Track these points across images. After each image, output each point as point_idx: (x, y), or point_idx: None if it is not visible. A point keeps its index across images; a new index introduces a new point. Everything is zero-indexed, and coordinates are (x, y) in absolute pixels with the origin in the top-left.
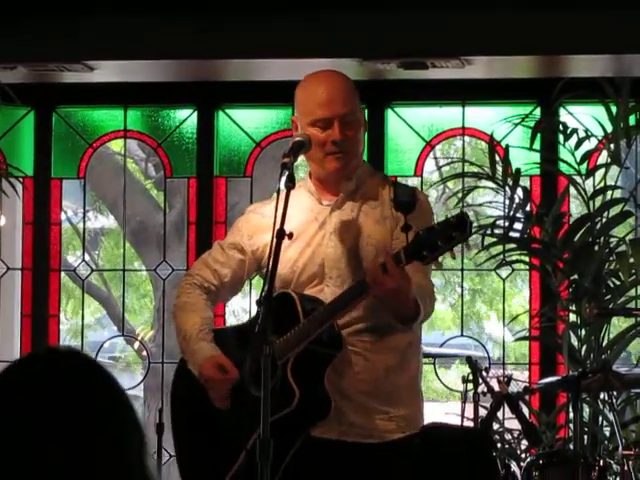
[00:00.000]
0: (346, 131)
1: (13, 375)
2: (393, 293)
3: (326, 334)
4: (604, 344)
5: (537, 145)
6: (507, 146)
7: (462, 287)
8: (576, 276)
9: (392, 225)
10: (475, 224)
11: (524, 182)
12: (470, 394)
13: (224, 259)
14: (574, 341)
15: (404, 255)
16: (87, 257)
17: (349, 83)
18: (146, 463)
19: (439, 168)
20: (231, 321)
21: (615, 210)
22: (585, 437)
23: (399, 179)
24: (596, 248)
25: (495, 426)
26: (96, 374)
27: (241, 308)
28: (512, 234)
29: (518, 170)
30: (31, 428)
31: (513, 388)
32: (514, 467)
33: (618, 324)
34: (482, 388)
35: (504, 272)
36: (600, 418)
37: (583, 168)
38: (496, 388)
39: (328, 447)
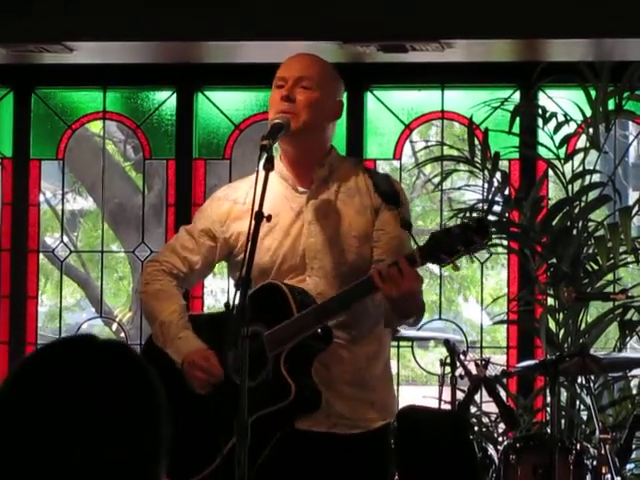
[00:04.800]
0: (297, 93)
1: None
2: (407, 295)
3: (320, 328)
4: (582, 328)
5: (516, 129)
6: (486, 130)
7: (440, 271)
8: (554, 260)
9: (372, 215)
10: (454, 208)
11: (503, 166)
12: (448, 377)
13: (193, 246)
14: (552, 325)
15: (419, 257)
16: (65, 239)
17: (321, 62)
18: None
19: (415, 153)
20: (209, 301)
21: (593, 194)
22: (562, 421)
23: (378, 162)
24: (574, 232)
25: (472, 409)
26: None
27: (219, 288)
28: (490, 218)
29: (497, 154)
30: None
31: (491, 371)
32: (491, 450)
33: (596, 308)
34: (460, 371)
35: (482, 256)
36: (577, 402)
37: (562, 152)
38: (474, 371)
39: (316, 440)
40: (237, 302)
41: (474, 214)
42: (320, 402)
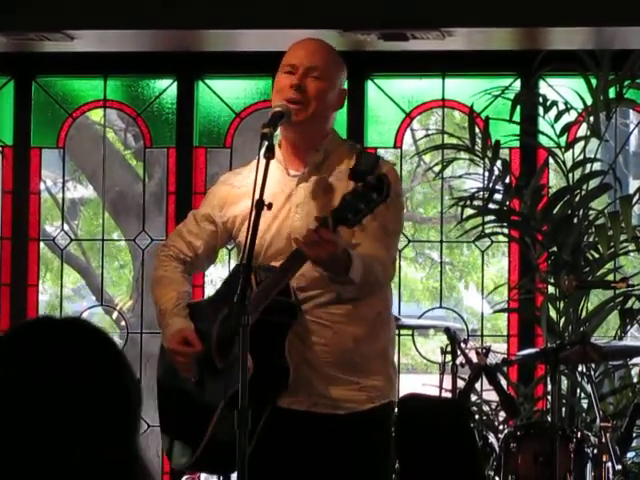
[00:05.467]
0: (307, 82)
1: (16, 339)
2: (329, 257)
3: (281, 303)
4: (582, 316)
5: (517, 117)
6: (487, 118)
7: (441, 259)
8: (555, 248)
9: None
10: (454, 196)
11: (503, 154)
12: (448, 366)
13: (197, 230)
14: (552, 313)
15: (332, 220)
16: (66, 227)
17: (330, 51)
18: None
19: (416, 141)
20: (210, 290)
21: (594, 183)
22: (563, 409)
23: (379, 150)
24: (575, 221)
25: (473, 398)
26: (99, 346)
27: (219, 278)
28: (491, 206)
29: (498, 142)
30: (28, 390)
31: (491, 360)
32: (492, 439)
33: (597, 296)
34: (460, 360)
35: (483, 244)
36: (578, 390)
37: (562, 141)
38: (474, 360)
39: (296, 418)
40: (238, 289)
41: (474, 202)
42: (287, 380)
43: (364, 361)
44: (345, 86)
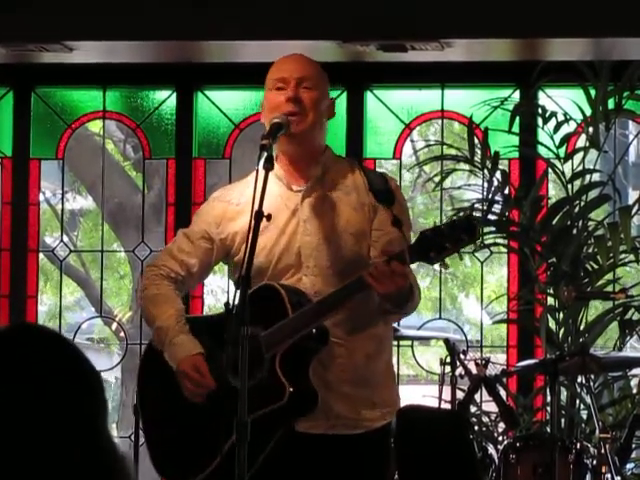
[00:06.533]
0: (302, 92)
1: None
2: (397, 292)
3: (315, 328)
4: (582, 327)
5: (516, 128)
6: (486, 129)
7: (440, 270)
8: (554, 259)
9: (370, 212)
10: (454, 206)
11: (503, 165)
12: (448, 377)
13: (190, 249)
14: (552, 324)
15: (409, 255)
16: (65, 238)
17: (315, 64)
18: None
19: (416, 152)
20: (210, 300)
21: (593, 193)
22: (562, 420)
23: (378, 162)
24: (574, 231)
25: (472, 409)
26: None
27: (219, 288)
28: (490, 217)
29: (497, 153)
30: None
31: (491, 371)
32: (491, 450)
33: (596, 307)
34: (460, 371)
35: (482, 255)
36: (577, 401)
37: (562, 151)
38: (474, 371)
39: (313, 442)
40: (237, 302)
41: (473, 213)
42: (316, 404)
43: (374, 377)
44: (334, 97)
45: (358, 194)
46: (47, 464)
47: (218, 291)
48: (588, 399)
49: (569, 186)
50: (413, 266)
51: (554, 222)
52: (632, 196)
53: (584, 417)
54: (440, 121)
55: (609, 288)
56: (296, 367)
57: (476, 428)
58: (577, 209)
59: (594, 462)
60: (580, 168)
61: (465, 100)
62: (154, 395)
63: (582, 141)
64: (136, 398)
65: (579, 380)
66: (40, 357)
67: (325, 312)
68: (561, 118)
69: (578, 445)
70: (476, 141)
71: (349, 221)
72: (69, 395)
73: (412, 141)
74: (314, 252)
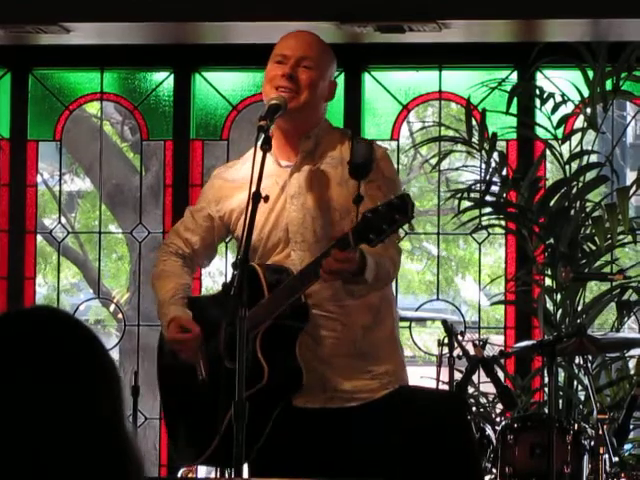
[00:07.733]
0: (299, 72)
1: None
2: (349, 277)
3: (291, 307)
4: (579, 308)
5: (514, 109)
6: (484, 110)
7: (438, 251)
8: (552, 240)
9: (355, 187)
10: (451, 188)
11: (500, 146)
12: (446, 358)
13: (193, 226)
14: (549, 305)
15: (352, 239)
16: (63, 220)
17: (321, 43)
18: (122, 418)
19: (412, 134)
20: (207, 282)
21: (591, 175)
22: (560, 401)
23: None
24: (572, 213)
25: (470, 390)
26: (69, 328)
27: (217, 270)
28: (488, 198)
29: (494, 134)
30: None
31: (488, 352)
32: (489, 431)
33: (594, 289)
34: (457, 352)
35: (480, 236)
36: (575, 382)
37: (559, 133)
38: (471, 352)
39: (311, 416)
40: (234, 282)
41: (471, 194)
42: (301, 381)
43: (374, 349)
44: (335, 79)
45: (343, 168)
46: (60, 446)
47: (216, 273)
48: (586, 380)
49: (567, 167)
50: (407, 246)
51: (552, 203)
52: (630, 177)
53: (582, 398)
54: (438, 102)
55: (607, 269)
56: (280, 346)
57: (474, 409)
58: (575, 190)
59: (592, 443)
60: (578, 149)
61: (463, 81)
62: (169, 382)
63: (580, 122)
64: (158, 386)
65: (577, 361)
66: (65, 340)
67: (298, 289)
68: (559, 99)
69: (576, 426)
70: (474, 122)
71: (333, 197)
72: (88, 386)
73: (409, 122)
74: (301, 228)
